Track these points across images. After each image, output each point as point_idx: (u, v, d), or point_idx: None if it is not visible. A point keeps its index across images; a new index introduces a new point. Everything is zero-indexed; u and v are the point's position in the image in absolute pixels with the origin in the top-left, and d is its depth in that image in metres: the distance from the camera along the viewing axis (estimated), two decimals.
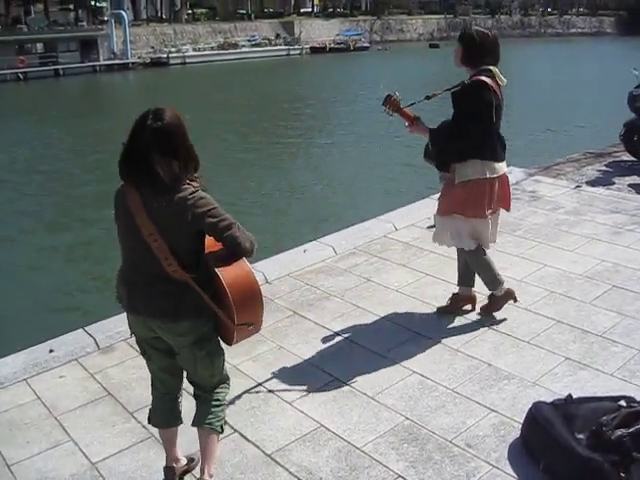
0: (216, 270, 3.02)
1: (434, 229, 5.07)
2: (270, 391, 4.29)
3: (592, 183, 7.79)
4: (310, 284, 5.67)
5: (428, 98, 4.71)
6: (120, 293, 3.22)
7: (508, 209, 4.97)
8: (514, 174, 7.95)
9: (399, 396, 4.14)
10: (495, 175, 4.65)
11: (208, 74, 51.02)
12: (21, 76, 48.80)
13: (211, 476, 3.28)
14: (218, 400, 3.33)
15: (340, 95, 37.82)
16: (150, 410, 3.48)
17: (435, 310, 5.12)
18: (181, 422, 3.46)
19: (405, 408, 4.02)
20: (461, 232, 4.79)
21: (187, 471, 3.57)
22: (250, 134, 26.76)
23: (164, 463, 3.46)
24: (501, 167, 4.71)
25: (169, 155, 2.89)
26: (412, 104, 4.75)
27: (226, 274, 3.02)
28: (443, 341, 4.67)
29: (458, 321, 4.93)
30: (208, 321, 3.14)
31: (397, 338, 4.76)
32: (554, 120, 26.82)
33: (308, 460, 3.66)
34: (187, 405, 3.50)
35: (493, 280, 4.96)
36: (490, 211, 4.72)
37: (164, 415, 3.43)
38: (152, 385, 3.45)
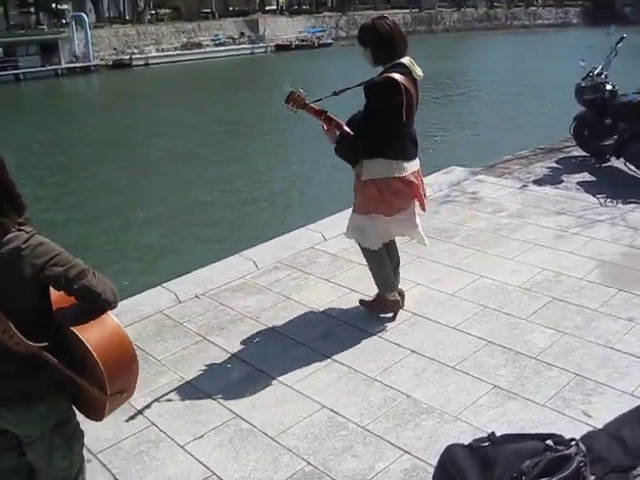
0: (74, 332, 2.41)
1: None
2: (162, 432, 3.80)
3: (539, 182, 7.27)
4: (225, 304, 5.15)
5: (336, 94, 4.44)
6: None
7: (423, 208, 4.70)
8: (455, 173, 7.51)
9: (303, 436, 3.64)
10: (404, 174, 4.37)
11: (171, 75, 50.28)
12: None
13: None
14: None
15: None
16: None
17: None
18: None
19: (308, 451, 3.52)
20: (367, 229, 4.54)
21: None
22: (206, 136, 26.16)
23: None
24: (411, 166, 4.42)
25: None
26: (319, 100, 4.43)
27: (89, 336, 2.41)
28: (360, 368, 4.18)
29: (379, 344, 4.44)
30: (67, 399, 2.61)
31: (310, 365, 4.26)
32: (510, 114, 26.52)
33: None
34: None
35: (386, 283, 4.69)
36: (400, 209, 4.49)
37: None
38: None
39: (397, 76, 4.20)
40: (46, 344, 2.40)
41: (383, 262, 4.65)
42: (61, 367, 2.43)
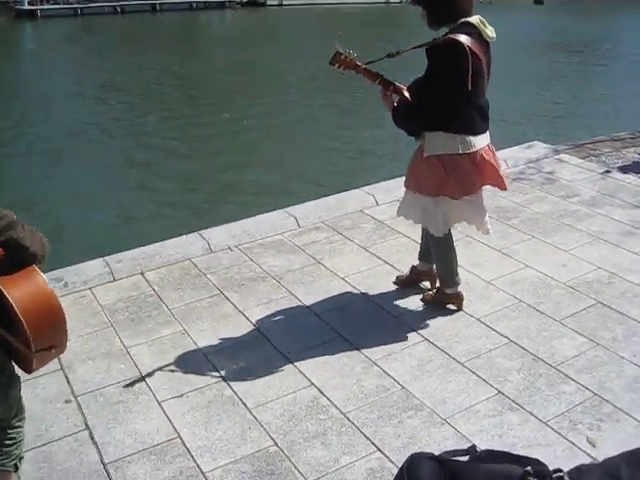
0: None
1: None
2: (147, 384, 3.72)
3: (625, 169, 6.51)
4: (254, 260, 4.96)
5: (390, 56, 3.90)
6: None
7: (503, 187, 4.21)
8: (535, 150, 6.91)
9: (280, 413, 3.43)
10: (471, 150, 3.87)
11: (304, 17, 49.93)
12: (118, 9, 48.97)
13: None
14: (13, 439, 2.73)
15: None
16: None
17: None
18: None
19: (279, 430, 3.32)
20: (432, 213, 4.06)
21: None
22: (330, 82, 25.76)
23: None
24: (478, 141, 3.91)
25: None
26: (370, 62, 3.99)
27: (12, 291, 2.34)
28: (364, 349, 3.90)
29: (393, 326, 4.13)
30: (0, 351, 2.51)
31: (315, 338, 4.03)
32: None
33: (142, 478, 3.05)
34: None
35: (448, 278, 4.23)
36: (469, 192, 4.01)
37: None
38: None
39: (462, 37, 3.66)
40: None
41: (449, 251, 4.20)
42: None
